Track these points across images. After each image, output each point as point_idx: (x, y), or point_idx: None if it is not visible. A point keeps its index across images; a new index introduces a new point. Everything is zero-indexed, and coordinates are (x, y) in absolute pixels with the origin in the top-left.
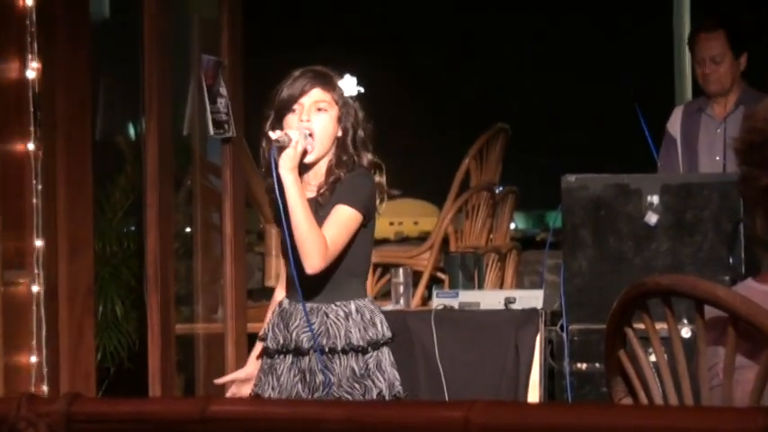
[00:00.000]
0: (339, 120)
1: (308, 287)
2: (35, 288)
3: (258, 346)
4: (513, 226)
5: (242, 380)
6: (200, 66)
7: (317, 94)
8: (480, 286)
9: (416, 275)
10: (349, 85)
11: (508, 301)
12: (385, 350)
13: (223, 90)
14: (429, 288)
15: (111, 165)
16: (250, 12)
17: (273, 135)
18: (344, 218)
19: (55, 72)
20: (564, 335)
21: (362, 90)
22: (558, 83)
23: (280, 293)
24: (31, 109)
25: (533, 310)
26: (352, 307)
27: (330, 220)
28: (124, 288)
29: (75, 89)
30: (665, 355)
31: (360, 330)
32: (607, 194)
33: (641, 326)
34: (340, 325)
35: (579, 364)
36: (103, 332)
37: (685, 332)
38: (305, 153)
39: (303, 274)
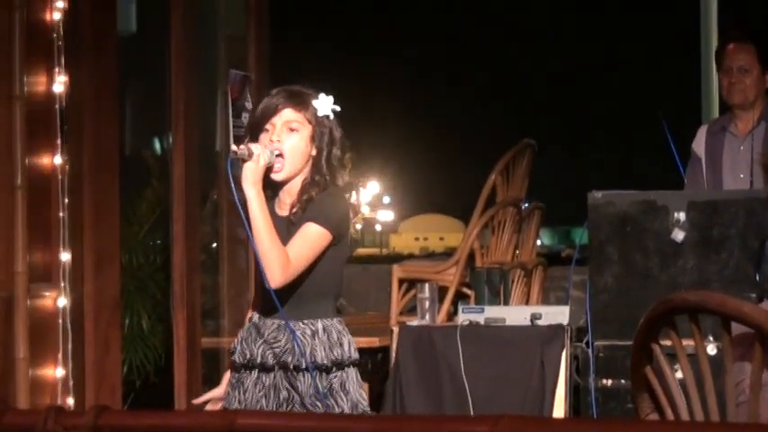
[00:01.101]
0: (313, 139)
1: (278, 303)
2: (61, 301)
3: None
4: (539, 242)
5: (219, 398)
6: (227, 80)
7: (288, 114)
8: (506, 302)
9: (442, 291)
10: (324, 104)
11: (534, 316)
12: (351, 371)
13: (249, 104)
14: (455, 304)
15: (137, 178)
16: (277, 27)
17: (234, 148)
18: (311, 235)
19: (82, 86)
20: (589, 351)
21: (338, 109)
22: (585, 100)
23: (250, 312)
24: (58, 123)
25: (559, 326)
26: (320, 326)
27: (296, 236)
28: (150, 301)
29: (102, 103)
30: (692, 372)
31: (325, 349)
32: (633, 211)
33: (668, 342)
34: (306, 343)
35: (605, 380)
36: (129, 345)
37: (711, 349)
38: (270, 169)
39: (274, 291)
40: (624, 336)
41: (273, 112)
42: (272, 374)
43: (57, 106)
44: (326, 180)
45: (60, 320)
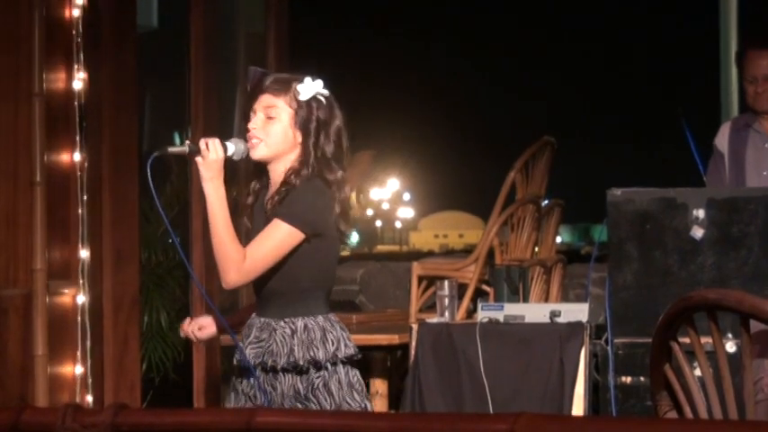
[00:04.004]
0: (296, 123)
1: (263, 302)
2: (80, 298)
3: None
4: (558, 239)
5: (189, 321)
6: (246, 77)
7: (266, 99)
8: (525, 299)
9: (461, 288)
10: (308, 88)
11: (553, 314)
12: (340, 369)
13: None
14: (474, 301)
15: (156, 175)
16: (297, 24)
17: (178, 144)
18: (277, 234)
19: (101, 83)
20: (609, 348)
21: (327, 93)
22: (604, 97)
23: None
24: (78, 120)
25: (578, 324)
26: (300, 324)
27: (263, 234)
28: (169, 298)
29: (122, 100)
30: (711, 370)
31: (303, 349)
32: (653, 208)
33: (687, 340)
34: (285, 342)
35: (624, 378)
36: (148, 342)
37: (730, 346)
38: (247, 158)
39: (258, 289)
40: (643, 333)
41: (253, 98)
42: (250, 376)
43: (76, 103)
44: (312, 170)
45: (79, 318)
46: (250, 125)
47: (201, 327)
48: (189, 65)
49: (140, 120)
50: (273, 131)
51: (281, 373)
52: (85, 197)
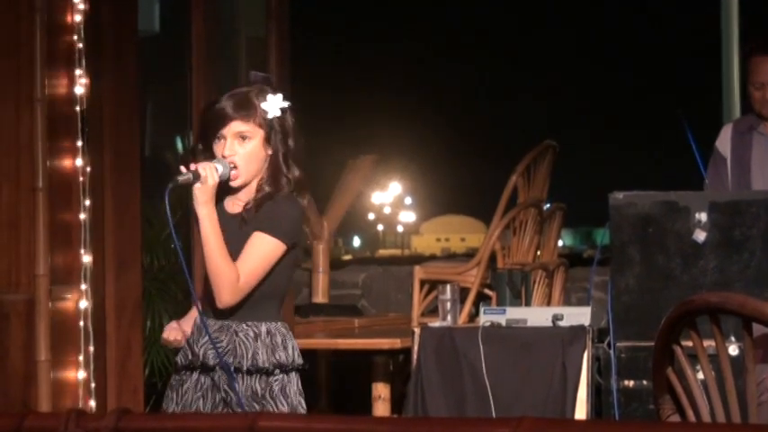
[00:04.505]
0: (267, 141)
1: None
2: (83, 303)
3: (191, 314)
4: (560, 243)
5: (173, 326)
6: (247, 82)
7: (237, 126)
8: (528, 303)
9: (464, 292)
10: (273, 105)
11: (555, 317)
12: (293, 376)
13: None
14: (476, 305)
15: (158, 180)
16: (297, 29)
17: (183, 173)
18: (264, 248)
19: (103, 87)
20: (611, 352)
21: (288, 104)
22: (606, 100)
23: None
24: (79, 124)
25: (581, 327)
26: (263, 328)
27: (249, 249)
28: (172, 303)
29: (124, 104)
30: (713, 373)
31: (267, 352)
32: (655, 212)
33: (689, 343)
34: (248, 345)
35: (626, 382)
36: (151, 347)
37: (733, 350)
38: (228, 181)
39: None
40: (646, 337)
41: (222, 123)
42: (211, 375)
43: (78, 108)
44: (286, 181)
45: (82, 322)
46: (226, 152)
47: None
48: (190, 69)
49: (142, 124)
50: (250, 156)
51: (241, 375)
52: (87, 202)
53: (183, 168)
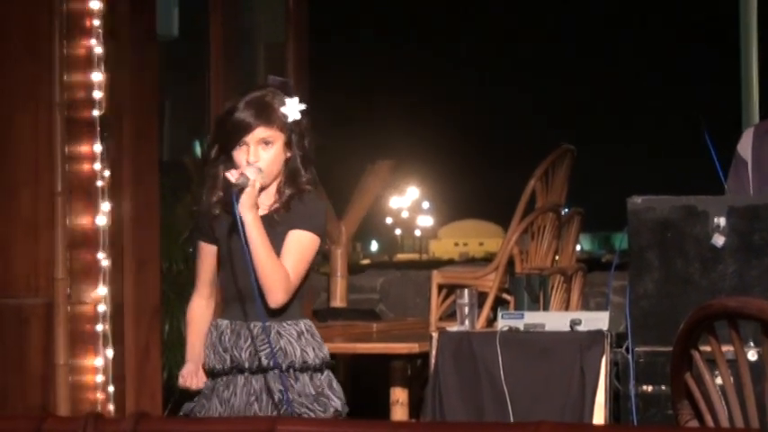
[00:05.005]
0: (287, 145)
1: (254, 306)
2: (101, 307)
3: (194, 346)
4: (578, 247)
5: (194, 372)
6: (264, 86)
7: (260, 132)
8: (546, 308)
9: (482, 296)
10: (292, 109)
11: (573, 322)
12: (329, 371)
13: None
14: (494, 309)
15: (177, 184)
16: (315, 34)
17: (232, 178)
18: (304, 245)
19: (122, 92)
20: (629, 357)
21: (305, 106)
22: (624, 104)
23: (199, 305)
24: (98, 128)
25: (599, 332)
26: (302, 327)
27: (290, 248)
28: None
29: (142, 109)
30: (732, 378)
31: (314, 349)
32: (674, 216)
33: (708, 348)
34: (295, 344)
35: (645, 387)
36: (169, 351)
37: (752, 355)
38: (262, 188)
39: (253, 294)
40: (664, 341)
41: (245, 130)
42: (261, 378)
43: (97, 112)
44: (308, 181)
45: (100, 326)
46: (251, 158)
47: (197, 372)
48: (209, 73)
49: (160, 128)
50: (273, 160)
51: (294, 373)
52: (106, 206)
53: (229, 175)
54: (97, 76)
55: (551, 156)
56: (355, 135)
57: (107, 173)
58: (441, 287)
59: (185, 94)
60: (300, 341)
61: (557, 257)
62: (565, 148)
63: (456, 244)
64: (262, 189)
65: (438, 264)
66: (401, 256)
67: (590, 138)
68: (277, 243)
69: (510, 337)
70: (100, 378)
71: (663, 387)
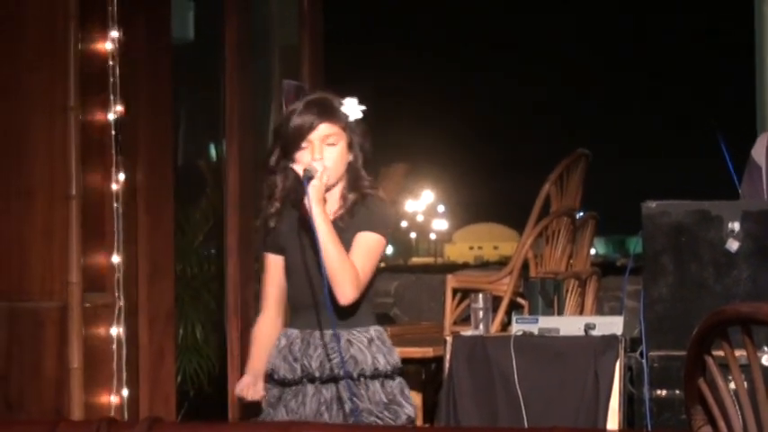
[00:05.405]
0: (350, 146)
1: (323, 314)
2: (115, 311)
3: (255, 360)
4: (593, 251)
5: (251, 383)
6: (281, 90)
7: (324, 129)
8: (560, 312)
9: (496, 301)
10: (353, 108)
11: (588, 327)
12: (400, 378)
13: None
14: (509, 313)
15: (192, 187)
16: (330, 36)
17: (299, 169)
18: (372, 245)
19: (137, 96)
20: (644, 361)
21: (365, 108)
22: (639, 110)
23: (266, 324)
24: (113, 132)
25: (613, 337)
26: (372, 333)
27: (358, 248)
28: (204, 311)
29: (157, 113)
30: (745, 383)
31: (385, 356)
32: (688, 221)
33: (721, 353)
34: (365, 351)
35: (659, 391)
36: (183, 355)
37: (766, 360)
38: (326, 189)
39: (321, 301)
40: (679, 346)
41: (309, 129)
42: (332, 386)
43: (111, 116)
44: (370, 184)
45: (114, 330)
46: (316, 155)
47: (256, 384)
48: (223, 77)
49: (175, 132)
50: (337, 160)
51: (365, 381)
52: (121, 210)
53: (296, 166)
54: (112, 80)
55: (566, 160)
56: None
57: (122, 176)
58: (455, 291)
59: (200, 97)
60: (371, 348)
61: (571, 262)
62: (579, 152)
63: (471, 248)
64: (326, 190)
65: (453, 267)
66: (416, 260)
67: (605, 142)
68: (344, 249)
69: (524, 342)
70: (114, 382)
71: (677, 392)
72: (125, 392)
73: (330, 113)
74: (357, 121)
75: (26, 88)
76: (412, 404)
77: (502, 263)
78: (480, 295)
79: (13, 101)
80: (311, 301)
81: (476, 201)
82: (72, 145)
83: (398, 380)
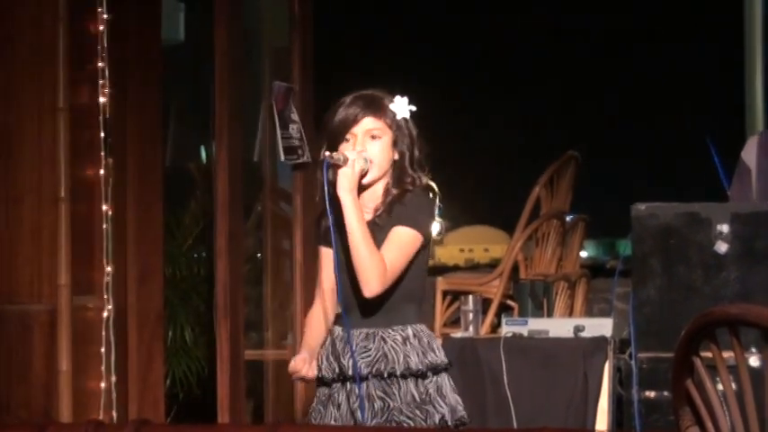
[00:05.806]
0: (395, 143)
1: (365, 311)
2: (104, 313)
3: (309, 340)
4: (582, 254)
5: (307, 359)
6: (271, 92)
7: (369, 123)
8: (549, 314)
9: (486, 303)
10: (401, 106)
11: (577, 329)
12: (444, 376)
13: (294, 116)
14: (498, 315)
15: (181, 190)
16: (321, 38)
17: (328, 154)
18: (404, 240)
19: (126, 97)
20: (632, 363)
21: (414, 109)
22: (628, 111)
23: (318, 311)
24: (102, 134)
25: (602, 338)
26: (410, 332)
27: (389, 242)
28: (194, 313)
29: (147, 114)
30: (733, 385)
31: (418, 355)
32: (677, 223)
33: (709, 354)
34: (398, 350)
35: (648, 393)
36: (173, 358)
37: (753, 361)
38: (363, 175)
39: (360, 299)
40: (667, 348)
41: (353, 121)
42: (363, 385)
43: (101, 118)
44: (413, 181)
45: (103, 333)
46: (357, 147)
47: (311, 364)
48: (213, 78)
49: (165, 134)
50: (381, 153)
51: (396, 380)
52: (110, 212)
53: (326, 153)
54: (101, 82)
55: (556, 163)
56: None
57: (111, 179)
58: (445, 293)
59: (190, 99)
60: (405, 346)
61: (561, 264)
62: (569, 154)
63: (461, 250)
64: (366, 187)
65: (444, 269)
66: None
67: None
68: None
69: (514, 344)
70: (103, 385)
71: (665, 393)
72: (114, 395)
73: (375, 108)
74: (406, 120)
75: (15, 89)
76: (450, 404)
77: (492, 265)
78: (470, 297)
79: (1, 102)
80: (348, 299)
81: (466, 203)
82: (61, 147)
83: (434, 379)
